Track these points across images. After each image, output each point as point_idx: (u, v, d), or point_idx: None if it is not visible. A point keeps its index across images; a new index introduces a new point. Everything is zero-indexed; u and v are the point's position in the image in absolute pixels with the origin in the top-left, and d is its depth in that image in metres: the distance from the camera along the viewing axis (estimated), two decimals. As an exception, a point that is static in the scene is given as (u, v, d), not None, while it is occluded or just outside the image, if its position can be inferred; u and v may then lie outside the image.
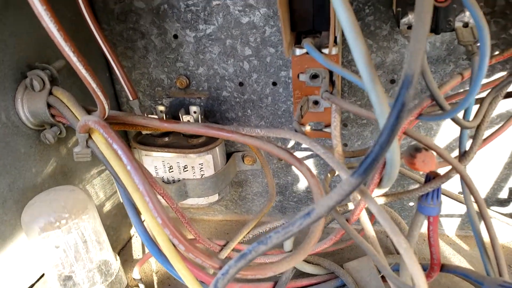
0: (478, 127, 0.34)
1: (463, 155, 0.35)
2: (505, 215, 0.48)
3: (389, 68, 0.44)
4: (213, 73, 0.48)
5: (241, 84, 0.48)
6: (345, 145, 0.49)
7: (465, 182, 0.34)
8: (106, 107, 0.35)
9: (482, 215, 0.35)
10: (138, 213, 0.34)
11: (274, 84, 0.47)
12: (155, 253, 0.33)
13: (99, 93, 0.33)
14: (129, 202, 0.35)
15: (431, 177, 0.35)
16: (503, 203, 0.49)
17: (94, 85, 0.32)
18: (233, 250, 0.44)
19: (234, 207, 0.59)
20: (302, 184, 0.54)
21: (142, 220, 0.33)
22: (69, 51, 0.28)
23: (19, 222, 0.38)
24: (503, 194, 0.49)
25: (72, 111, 0.37)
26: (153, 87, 0.51)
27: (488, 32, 0.26)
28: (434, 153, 0.32)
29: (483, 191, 0.49)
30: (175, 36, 0.47)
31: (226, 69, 0.48)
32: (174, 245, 0.30)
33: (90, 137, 0.36)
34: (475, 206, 0.36)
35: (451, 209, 0.52)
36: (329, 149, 0.35)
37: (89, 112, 0.37)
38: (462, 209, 0.51)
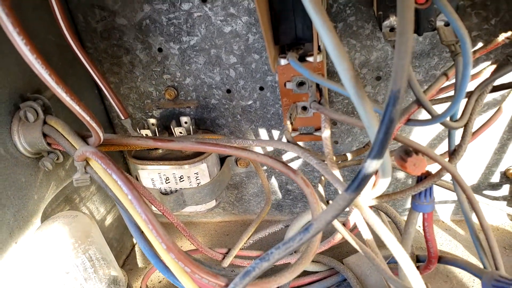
0: (466, 126, 0.35)
1: (453, 154, 0.36)
2: (497, 198, 0.50)
3: (374, 65, 0.45)
4: (200, 83, 0.49)
5: (228, 91, 0.49)
6: (335, 142, 0.51)
7: (457, 181, 0.35)
8: (101, 135, 0.35)
9: (475, 212, 0.36)
10: (141, 231, 0.36)
11: (261, 88, 0.48)
12: (162, 270, 0.34)
13: (93, 123, 0.34)
14: (132, 222, 0.36)
15: (423, 176, 0.36)
16: (494, 187, 0.51)
17: (86, 117, 0.33)
18: (235, 257, 0.46)
19: (232, 208, 0.60)
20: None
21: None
22: (62, 92, 0.29)
23: (28, 250, 0.39)
24: (495, 178, 0.51)
25: (68, 140, 0.37)
26: (142, 100, 0.52)
27: (469, 42, 0.28)
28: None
29: (475, 176, 0.51)
30: (160, 50, 0.48)
31: (212, 77, 0.48)
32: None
33: (87, 163, 0.37)
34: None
35: (444, 195, 0.53)
36: (321, 158, 0.36)
37: (84, 137, 0.38)
38: (455, 195, 0.53)
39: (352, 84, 0.22)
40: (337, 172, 0.35)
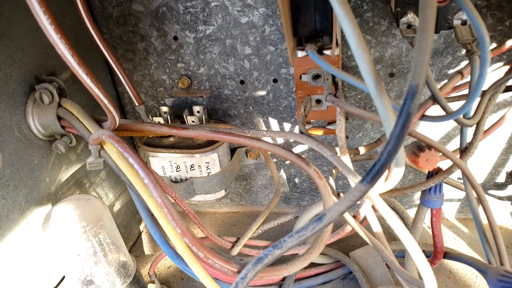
0: (478, 124, 0.36)
1: (464, 151, 0.36)
2: (502, 197, 0.51)
3: (388, 62, 0.45)
4: (214, 73, 0.49)
5: (242, 82, 0.49)
6: (346, 137, 0.51)
7: (467, 178, 0.35)
8: (117, 119, 0.36)
9: (484, 209, 0.36)
10: (152, 217, 0.36)
11: (275, 81, 0.48)
12: (172, 256, 0.35)
13: (110, 107, 0.34)
14: (143, 207, 0.37)
15: (434, 172, 0.37)
16: (500, 186, 0.51)
17: (105, 100, 0.33)
18: (244, 246, 0.46)
19: (240, 199, 0.61)
20: (305, 176, 0.56)
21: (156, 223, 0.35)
22: (83, 73, 0.29)
23: (39, 231, 0.39)
24: (501, 178, 0.51)
25: (82, 123, 0.38)
26: (155, 87, 0.52)
27: (488, 41, 0.28)
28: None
29: (482, 176, 0.51)
30: (175, 38, 0.48)
31: (227, 68, 0.49)
32: (192, 251, 0.32)
33: (102, 147, 0.37)
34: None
35: (450, 193, 0.54)
36: (334, 151, 0.36)
37: (98, 121, 0.38)
38: (461, 193, 0.53)
39: (371, 77, 0.22)
40: (350, 165, 0.36)
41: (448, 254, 0.41)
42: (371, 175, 0.22)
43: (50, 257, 0.40)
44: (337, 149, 0.37)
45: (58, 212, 0.38)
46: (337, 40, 0.37)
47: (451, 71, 0.44)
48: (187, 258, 0.31)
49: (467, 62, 0.43)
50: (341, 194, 0.40)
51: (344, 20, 0.21)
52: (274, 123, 0.52)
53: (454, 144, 0.49)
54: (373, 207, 0.37)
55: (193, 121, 0.48)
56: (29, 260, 0.39)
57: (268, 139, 0.52)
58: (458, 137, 0.48)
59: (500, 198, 0.52)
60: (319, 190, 0.36)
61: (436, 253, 0.39)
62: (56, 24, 0.26)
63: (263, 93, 0.50)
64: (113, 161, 0.36)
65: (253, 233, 0.47)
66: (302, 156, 0.53)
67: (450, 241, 0.52)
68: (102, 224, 0.39)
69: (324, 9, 0.35)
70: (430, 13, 0.19)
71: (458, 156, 0.38)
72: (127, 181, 0.35)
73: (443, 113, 0.34)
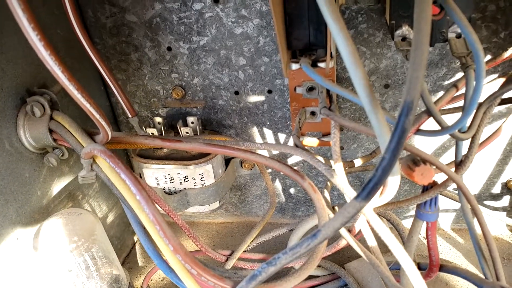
0: (473, 137, 0.35)
1: (459, 165, 0.36)
2: (497, 208, 0.51)
3: (382, 73, 0.45)
4: (208, 83, 0.49)
5: (236, 92, 0.49)
6: (341, 148, 0.51)
7: (463, 192, 0.35)
8: (109, 132, 0.35)
9: (479, 222, 0.36)
10: (145, 231, 0.35)
11: (270, 92, 0.48)
12: (165, 271, 0.34)
13: (102, 121, 0.34)
14: (136, 221, 0.36)
15: (429, 186, 0.36)
16: (495, 197, 0.51)
17: (96, 115, 0.32)
18: (238, 259, 0.46)
19: (234, 210, 0.60)
20: (300, 187, 0.56)
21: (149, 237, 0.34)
22: (74, 89, 0.29)
23: (30, 246, 0.39)
24: (496, 189, 0.51)
25: (74, 136, 0.37)
26: (148, 98, 0.52)
27: (483, 56, 0.27)
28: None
29: (477, 187, 0.51)
30: (169, 48, 0.47)
31: (221, 78, 0.48)
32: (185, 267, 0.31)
33: (94, 161, 0.36)
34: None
35: (446, 204, 0.53)
36: (329, 164, 0.36)
37: (91, 134, 0.37)
38: (457, 203, 0.53)
39: (366, 92, 0.22)
40: (345, 179, 0.35)
41: (444, 267, 0.41)
42: (366, 191, 0.22)
43: (41, 272, 0.40)
44: (332, 161, 0.37)
45: (48, 227, 0.37)
46: (331, 52, 0.37)
47: (446, 83, 0.44)
48: (180, 274, 0.31)
49: (463, 74, 0.43)
50: (336, 208, 0.40)
51: (337, 36, 0.21)
52: (269, 133, 0.51)
53: (448, 155, 0.49)
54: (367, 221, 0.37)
55: (187, 132, 0.48)
56: (20, 275, 0.38)
57: (263, 151, 0.52)
58: (453, 148, 0.48)
59: (495, 209, 0.52)
60: (314, 204, 0.36)
61: (431, 266, 0.39)
62: (45, 40, 0.26)
63: (257, 103, 0.49)
64: (105, 175, 0.35)
65: (248, 245, 0.47)
66: (296, 167, 0.53)
67: (446, 252, 0.51)
68: (95, 238, 0.38)
69: (318, 22, 0.35)
70: (425, 27, 0.19)
71: (453, 169, 0.38)
72: (119, 195, 0.34)
73: (438, 127, 0.33)
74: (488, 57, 0.42)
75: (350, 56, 0.21)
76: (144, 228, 0.35)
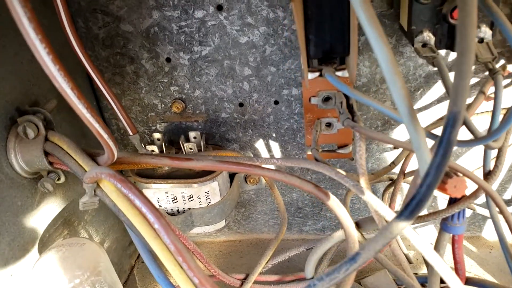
0: (502, 146, 0.34)
1: (489, 174, 0.34)
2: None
3: (395, 80, 0.43)
4: (210, 95, 0.46)
5: (241, 104, 0.46)
6: (351, 159, 0.48)
7: (495, 202, 0.34)
8: (115, 153, 0.32)
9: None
10: (156, 260, 0.32)
11: (276, 102, 0.46)
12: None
13: (110, 142, 0.30)
14: (145, 249, 0.33)
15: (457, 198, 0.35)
16: (507, 203, 0.50)
17: (105, 135, 0.29)
18: (254, 282, 0.43)
19: (238, 227, 0.57)
20: (307, 200, 0.53)
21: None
22: (83, 107, 0.25)
23: (25, 282, 0.35)
24: (507, 195, 0.49)
25: (74, 159, 0.34)
26: (145, 113, 0.48)
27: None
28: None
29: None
30: (168, 59, 0.44)
31: (224, 90, 0.45)
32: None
33: (98, 185, 0.33)
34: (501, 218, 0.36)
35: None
36: (356, 179, 0.33)
37: (92, 155, 0.34)
38: (467, 210, 0.51)
39: (405, 103, 0.20)
40: (373, 195, 0.33)
41: (470, 280, 0.39)
42: (409, 210, 0.20)
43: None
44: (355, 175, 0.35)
45: (48, 260, 0.33)
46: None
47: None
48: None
49: (480, 80, 0.42)
50: (358, 223, 0.38)
51: (376, 43, 0.19)
52: (275, 146, 0.49)
53: (464, 162, 0.48)
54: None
55: (190, 148, 0.44)
56: (15, 316, 0.34)
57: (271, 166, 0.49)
58: (468, 152, 0.47)
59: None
60: (340, 223, 0.34)
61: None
62: (54, 53, 0.22)
63: (263, 115, 0.47)
64: (111, 201, 0.32)
65: (263, 267, 0.44)
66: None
67: (462, 262, 0.50)
68: (100, 270, 0.35)
69: (340, 29, 0.32)
70: (471, 32, 0.17)
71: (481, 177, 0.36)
72: (127, 221, 0.31)
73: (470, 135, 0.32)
74: (502, 61, 0.41)
75: (390, 65, 0.19)
76: (154, 255, 0.32)
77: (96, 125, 0.28)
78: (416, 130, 0.20)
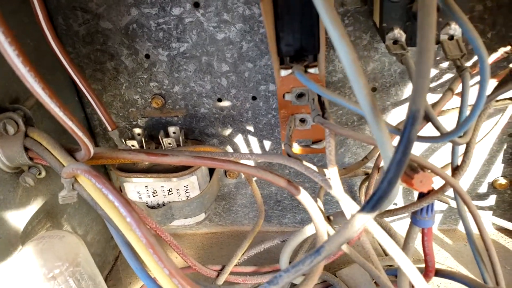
0: (469, 142, 0.35)
1: (456, 169, 0.36)
2: (484, 208, 0.51)
3: (370, 76, 0.44)
4: (189, 91, 0.47)
5: (219, 100, 0.47)
6: (328, 153, 0.50)
7: (461, 197, 0.35)
8: (91, 150, 0.33)
9: (478, 227, 0.36)
10: (132, 250, 0.33)
11: (254, 98, 0.47)
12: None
13: (85, 139, 0.31)
14: (123, 241, 0.34)
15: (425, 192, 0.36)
16: (482, 197, 0.51)
17: (79, 133, 0.30)
18: (230, 273, 0.44)
19: (219, 219, 0.58)
20: (286, 193, 0.54)
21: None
22: (55, 106, 0.26)
23: (8, 274, 0.36)
24: (483, 189, 0.51)
25: (53, 154, 0.35)
26: (126, 108, 0.49)
27: (488, 63, 0.27)
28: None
29: (463, 187, 0.51)
30: (147, 56, 0.45)
31: (203, 86, 0.46)
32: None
33: (75, 180, 0.34)
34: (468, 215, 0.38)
35: (431, 205, 0.53)
36: (323, 173, 0.35)
37: (70, 151, 0.35)
38: (443, 204, 0.53)
39: (367, 101, 0.21)
40: (342, 190, 0.34)
41: (440, 272, 0.40)
42: (371, 205, 0.21)
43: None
44: (326, 171, 0.36)
45: (29, 252, 0.34)
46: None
47: (433, 84, 0.44)
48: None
49: (454, 75, 0.43)
50: (331, 217, 0.39)
51: (339, 43, 0.19)
52: (253, 141, 0.50)
53: (436, 157, 0.49)
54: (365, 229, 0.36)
55: (169, 143, 0.46)
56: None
57: (250, 161, 0.50)
58: (440, 149, 0.49)
59: (481, 208, 0.52)
60: (310, 216, 0.35)
61: (428, 271, 0.39)
62: (24, 55, 0.23)
63: (241, 111, 0.48)
64: (88, 195, 0.33)
65: (239, 259, 0.45)
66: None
67: (435, 253, 0.51)
68: (79, 261, 0.36)
69: (310, 27, 0.33)
70: (430, 33, 0.18)
71: (449, 173, 0.38)
72: (104, 214, 0.32)
73: (435, 131, 0.33)
74: (474, 58, 0.42)
75: (352, 65, 0.20)
76: (131, 247, 0.33)
77: (70, 123, 0.29)
78: (379, 127, 0.21)
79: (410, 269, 0.30)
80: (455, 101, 0.39)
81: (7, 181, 0.37)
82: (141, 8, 0.42)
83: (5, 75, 0.37)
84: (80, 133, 0.30)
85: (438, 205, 0.53)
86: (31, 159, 0.36)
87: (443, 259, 0.51)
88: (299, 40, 0.34)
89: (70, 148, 0.35)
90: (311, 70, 0.37)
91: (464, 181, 0.51)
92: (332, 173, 0.34)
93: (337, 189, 0.33)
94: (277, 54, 0.34)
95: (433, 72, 0.43)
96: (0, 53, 0.23)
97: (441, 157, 0.49)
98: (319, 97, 0.37)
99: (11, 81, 0.38)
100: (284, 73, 0.37)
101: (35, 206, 0.40)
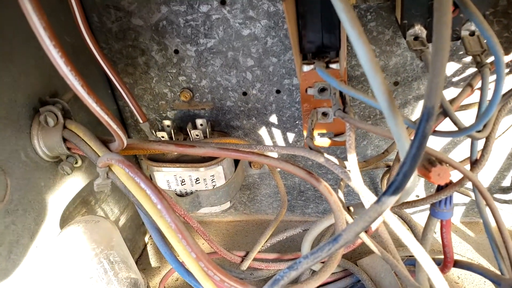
0: (488, 136, 0.36)
1: (475, 163, 0.36)
2: (508, 201, 0.51)
3: (392, 71, 0.45)
4: (216, 85, 0.49)
5: (244, 93, 0.49)
6: (350, 145, 0.51)
7: (479, 190, 0.36)
8: (125, 141, 0.35)
9: (496, 219, 0.37)
10: (162, 236, 0.36)
11: (278, 92, 0.48)
12: (184, 276, 0.34)
13: (118, 131, 0.33)
14: (153, 227, 0.36)
15: (444, 184, 0.37)
16: (505, 190, 0.52)
17: (113, 125, 0.32)
18: (253, 259, 0.46)
19: (244, 208, 0.60)
20: (309, 184, 0.56)
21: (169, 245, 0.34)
22: (92, 102, 0.29)
23: (49, 253, 0.39)
24: (506, 183, 0.51)
25: (89, 145, 0.37)
26: (156, 101, 0.52)
27: (503, 60, 0.28)
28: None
29: (487, 180, 0.52)
30: (176, 51, 0.47)
31: (229, 80, 0.48)
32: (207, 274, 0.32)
33: (110, 169, 0.36)
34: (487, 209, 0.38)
35: (455, 198, 0.54)
36: (345, 166, 0.36)
37: (105, 142, 0.38)
38: (465, 197, 0.53)
39: (385, 98, 0.22)
40: (361, 182, 0.36)
41: (459, 263, 0.41)
42: (387, 195, 0.22)
43: (61, 280, 0.40)
44: (346, 163, 0.37)
45: (68, 235, 0.37)
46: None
47: (456, 79, 0.44)
48: (202, 281, 0.31)
49: (475, 71, 0.44)
50: (351, 208, 0.40)
51: (356, 42, 0.20)
52: (277, 133, 0.51)
53: (458, 151, 0.50)
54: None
55: (197, 135, 0.48)
56: (40, 284, 0.39)
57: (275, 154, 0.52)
58: (462, 143, 0.49)
59: (505, 202, 0.52)
60: (330, 206, 0.36)
61: (446, 262, 0.40)
62: (66, 56, 0.26)
63: (266, 104, 0.49)
64: (121, 183, 0.35)
65: (262, 246, 0.47)
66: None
67: (457, 245, 0.52)
68: (113, 244, 0.39)
69: (331, 24, 0.35)
70: (445, 31, 0.19)
71: (468, 166, 0.38)
72: (136, 202, 0.34)
73: (454, 127, 0.34)
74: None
75: (369, 62, 0.21)
76: (161, 232, 0.35)
77: (106, 117, 0.31)
78: (396, 123, 0.22)
79: (425, 260, 0.31)
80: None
81: (47, 169, 0.40)
82: (170, 5, 0.44)
83: (46, 72, 0.40)
84: (114, 126, 0.32)
85: (461, 198, 0.54)
86: (69, 149, 0.39)
87: (464, 251, 0.52)
88: (320, 37, 0.35)
89: (105, 139, 0.38)
90: (333, 66, 0.38)
91: (487, 175, 0.51)
92: (352, 165, 0.36)
93: (356, 181, 0.35)
94: (299, 51, 0.36)
95: (456, 66, 0.44)
96: (42, 49, 0.25)
97: (463, 151, 0.49)
98: (340, 91, 0.39)
99: (51, 76, 0.41)
100: (306, 68, 0.38)
101: (72, 192, 0.43)
